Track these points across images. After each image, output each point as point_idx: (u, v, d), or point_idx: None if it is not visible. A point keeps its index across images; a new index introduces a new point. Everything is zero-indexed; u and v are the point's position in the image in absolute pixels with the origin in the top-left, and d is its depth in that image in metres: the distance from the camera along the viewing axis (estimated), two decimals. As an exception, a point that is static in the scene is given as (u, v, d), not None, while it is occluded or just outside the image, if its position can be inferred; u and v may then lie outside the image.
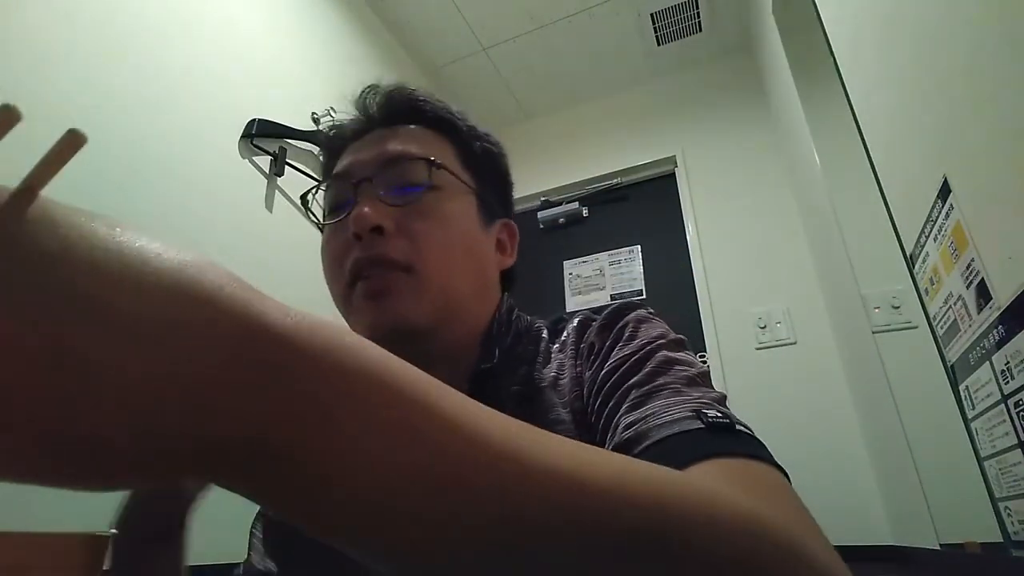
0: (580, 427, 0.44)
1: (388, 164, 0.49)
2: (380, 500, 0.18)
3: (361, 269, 0.46)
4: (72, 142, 0.17)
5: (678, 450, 0.31)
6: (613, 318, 0.48)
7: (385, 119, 0.53)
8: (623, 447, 0.35)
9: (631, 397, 0.39)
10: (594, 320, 0.50)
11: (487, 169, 0.56)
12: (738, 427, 0.34)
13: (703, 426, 0.33)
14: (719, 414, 0.34)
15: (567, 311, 0.56)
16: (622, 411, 0.39)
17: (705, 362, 2.15)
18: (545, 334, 0.55)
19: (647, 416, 0.36)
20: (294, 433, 0.17)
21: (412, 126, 0.53)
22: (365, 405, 0.18)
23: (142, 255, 0.17)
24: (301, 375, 0.18)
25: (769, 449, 0.33)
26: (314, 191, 0.55)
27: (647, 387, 0.39)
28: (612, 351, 0.45)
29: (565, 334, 0.52)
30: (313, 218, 0.54)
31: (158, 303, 0.16)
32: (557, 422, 0.44)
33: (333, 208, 0.51)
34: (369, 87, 0.55)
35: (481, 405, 0.21)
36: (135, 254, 0.17)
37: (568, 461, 0.20)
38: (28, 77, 1.07)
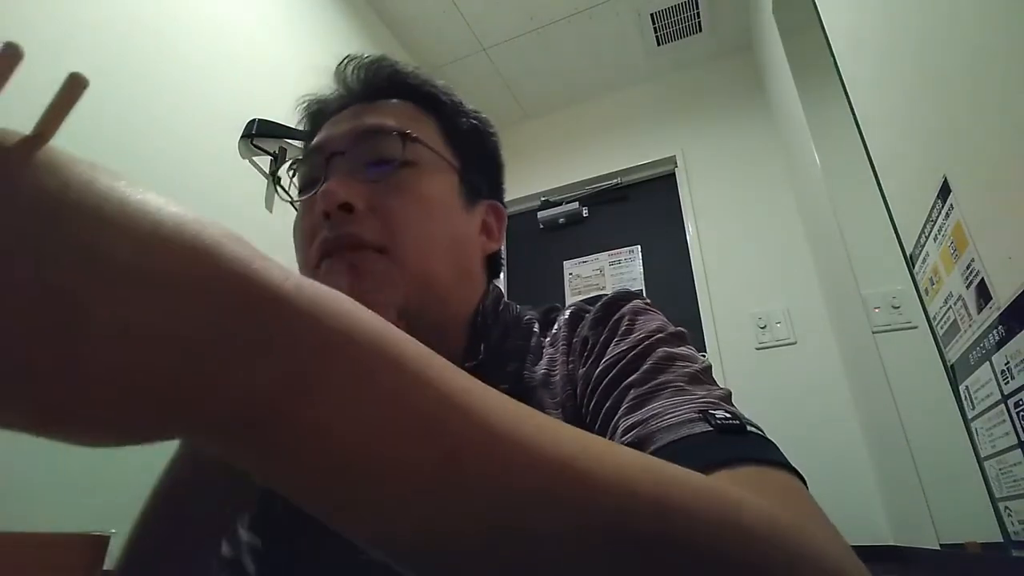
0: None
1: (361, 138, 0.46)
2: (369, 473, 0.17)
3: (329, 250, 0.43)
4: (75, 85, 0.17)
5: (687, 456, 0.29)
6: (607, 311, 0.46)
7: (365, 93, 0.51)
8: None
9: (630, 397, 0.37)
10: (587, 312, 0.48)
11: (473, 147, 0.53)
12: (748, 428, 0.32)
13: (711, 428, 0.31)
14: (727, 415, 0.32)
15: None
16: (621, 412, 0.37)
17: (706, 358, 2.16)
18: (536, 327, 0.51)
19: (649, 418, 0.34)
20: (286, 396, 0.17)
21: (393, 100, 0.50)
22: (361, 373, 0.18)
23: (144, 206, 0.17)
24: (298, 337, 0.17)
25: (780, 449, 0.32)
26: (290, 168, 0.51)
27: (647, 386, 0.37)
28: (607, 347, 0.43)
29: (556, 327, 0.50)
30: (285, 196, 0.52)
31: (157, 254, 0.16)
32: None
33: (305, 185, 0.49)
34: (348, 58, 0.52)
35: (484, 384, 0.21)
36: (137, 204, 0.17)
37: (572, 448, 0.20)
38: (28, 78, 1.07)
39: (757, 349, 2.09)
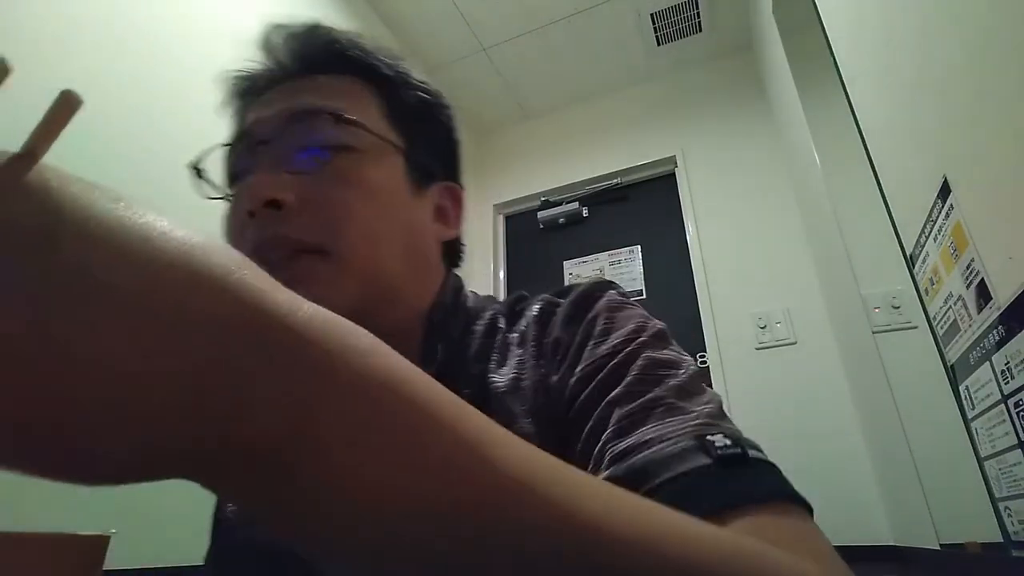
0: (546, 440, 0.37)
1: (290, 123, 0.41)
2: (382, 520, 0.17)
3: (259, 253, 0.38)
4: (67, 104, 0.16)
5: (690, 498, 0.26)
6: (579, 307, 0.42)
7: (297, 67, 0.45)
8: (616, 485, 0.32)
9: (616, 418, 0.33)
10: (557, 308, 0.43)
11: (422, 124, 0.47)
12: (750, 454, 0.29)
13: (711, 460, 0.28)
14: (727, 440, 0.30)
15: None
16: (608, 436, 0.33)
17: (705, 361, 2.15)
18: (502, 323, 0.46)
19: (640, 445, 0.31)
20: (292, 435, 0.16)
21: (328, 76, 0.44)
22: (371, 412, 0.17)
23: (145, 231, 0.15)
24: (311, 375, 0.16)
25: (782, 471, 0.30)
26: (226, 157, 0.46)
27: (634, 405, 0.33)
28: (583, 351, 0.39)
29: (524, 323, 0.45)
30: (208, 191, 0.45)
31: (159, 285, 0.15)
32: (519, 436, 0.37)
33: (231, 177, 0.44)
34: (276, 26, 0.46)
35: (501, 428, 0.20)
36: (137, 229, 0.15)
37: (595, 505, 0.19)
38: (29, 78, 1.07)
39: (757, 349, 2.08)
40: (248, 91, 0.47)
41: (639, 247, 2.50)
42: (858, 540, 1.64)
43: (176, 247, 0.16)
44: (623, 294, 0.44)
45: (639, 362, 0.36)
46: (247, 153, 0.42)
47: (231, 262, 0.17)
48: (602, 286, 0.44)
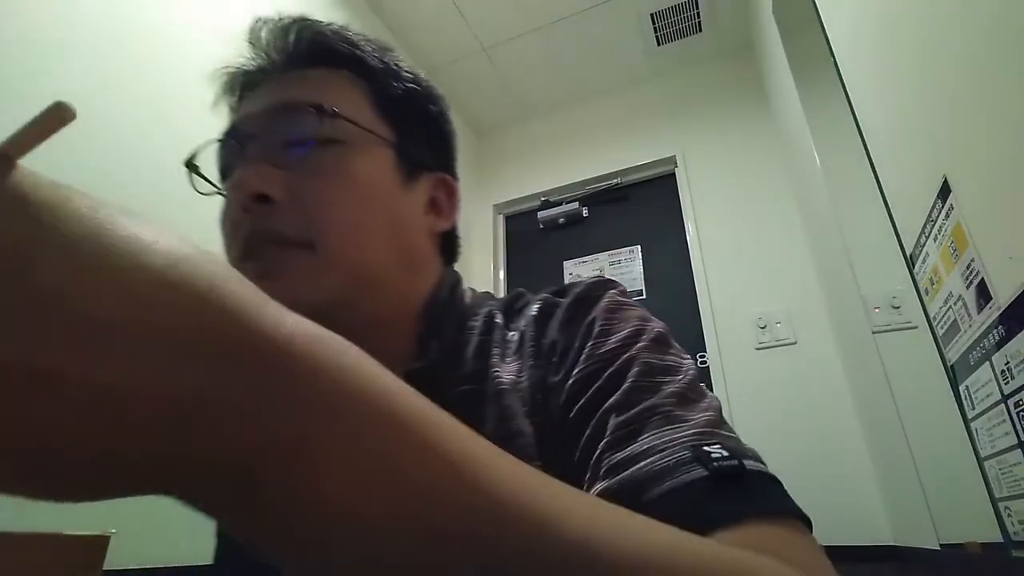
0: (542, 443, 0.37)
1: (274, 117, 0.42)
2: (363, 546, 0.16)
3: (253, 247, 0.39)
4: (58, 116, 0.16)
5: (685, 513, 0.26)
6: (578, 309, 0.42)
7: (284, 62, 0.45)
8: (612, 499, 0.27)
9: (613, 427, 0.33)
10: (556, 308, 0.43)
11: (411, 115, 0.47)
12: (747, 465, 0.29)
13: (707, 473, 0.28)
14: (723, 452, 0.29)
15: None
16: (603, 447, 0.32)
17: (705, 361, 2.15)
18: (499, 319, 0.46)
19: (636, 457, 0.30)
20: (275, 460, 0.16)
21: (318, 68, 0.44)
22: (359, 439, 0.16)
23: (127, 244, 0.15)
24: (290, 399, 0.16)
25: (782, 482, 0.29)
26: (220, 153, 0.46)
27: (630, 413, 0.33)
28: (580, 355, 0.38)
29: (523, 324, 0.45)
30: (203, 186, 0.46)
31: (139, 305, 0.14)
32: (518, 434, 0.37)
33: (223, 172, 0.45)
34: (262, 20, 0.46)
35: (484, 442, 0.19)
36: (119, 243, 0.15)
37: (587, 524, 0.18)
38: (29, 78, 1.07)
39: (757, 349, 2.08)
40: (240, 86, 0.47)
41: (639, 247, 2.50)
42: (858, 540, 1.64)
43: (160, 263, 0.15)
44: (624, 293, 0.43)
45: (637, 368, 0.35)
46: (236, 149, 0.43)
47: (215, 274, 0.16)
48: (602, 286, 0.43)
